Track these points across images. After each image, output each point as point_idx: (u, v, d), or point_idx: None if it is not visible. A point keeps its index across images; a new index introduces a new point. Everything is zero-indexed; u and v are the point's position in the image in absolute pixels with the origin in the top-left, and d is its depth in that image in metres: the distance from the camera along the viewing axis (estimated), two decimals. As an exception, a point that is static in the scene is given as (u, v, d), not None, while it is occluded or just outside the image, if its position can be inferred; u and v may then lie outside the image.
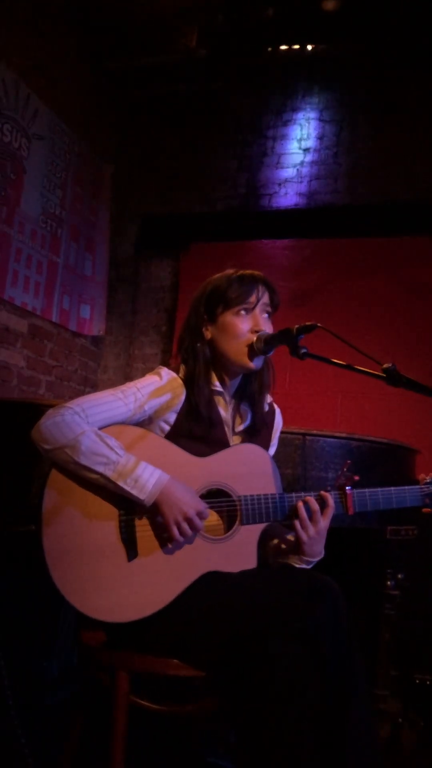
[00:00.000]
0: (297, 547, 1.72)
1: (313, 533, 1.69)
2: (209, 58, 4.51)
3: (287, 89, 4.79)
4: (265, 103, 4.85)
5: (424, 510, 1.76)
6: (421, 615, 2.96)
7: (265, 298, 1.79)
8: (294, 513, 1.69)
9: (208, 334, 1.81)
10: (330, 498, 1.70)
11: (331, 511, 1.69)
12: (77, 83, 4.52)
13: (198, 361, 1.78)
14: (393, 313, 4.22)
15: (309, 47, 4.48)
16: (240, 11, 4.20)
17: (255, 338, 1.73)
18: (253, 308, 1.77)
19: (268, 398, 1.91)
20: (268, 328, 1.77)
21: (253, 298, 1.76)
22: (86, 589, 1.58)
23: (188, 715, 1.69)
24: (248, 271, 1.80)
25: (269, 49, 4.51)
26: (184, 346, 1.83)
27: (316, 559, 1.74)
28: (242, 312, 1.76)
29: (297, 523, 1.68)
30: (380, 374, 1.56)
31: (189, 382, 1.77)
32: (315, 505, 1.68)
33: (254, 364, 1.76)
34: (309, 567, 1.75)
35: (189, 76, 4.77)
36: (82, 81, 4.57)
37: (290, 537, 1.77)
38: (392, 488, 1.74)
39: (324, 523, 1.69)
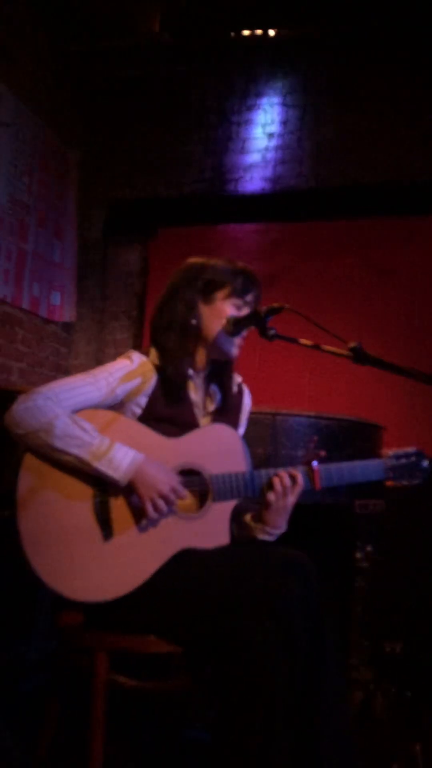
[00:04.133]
0: (263, 519, 1.77)
1: (282, 506, 1.74)
2: (173, 42, 4.48)
3: (251, 74, 4.78)
4: (229, 88, 4.84)
5: (388, 483, 1.83)
6: (390, 586, 3.04)
7: (253, 301, 1.85)
8: (264, 489, 1.74)
9: (199, 312, 1.84)
10: (300, 477, 1.74)
11: (299, 488, 1.74)
12: (41, 68, 4.45)
13: (188, 333, 1.81)
14: (360, 295, 4.27)
15: (271, 32, 4.48)
16: (203, -5, 4.20)
17: (225, 321, 1.78)
18: (245, 305, 1.82)
19: (237, 378, 1.95)
20: None
21: (250, 297, 1.83)
22: (63, 571, 1.61)
23: (166, 691, 1.73)
24: (250, 270, 1.86)
25: (232, 33, 4.50)
26: (172, 312, 1.83)
27: (278, 532, 1.80)
28: (239, 304, 1.82)
29: (271, 495, 1.73)
30: (347, 353, 1.60)
31: (170, 353, 1.80)
32: (287, 481, 1.73)
33: (233, 353, 1.83)
34: (272, 539, 1.80)
35: (153, 60, 4.72)
36: (46, 66, 4.50)
37: (256, 512, 1.82)
38: (357, 462, 1.80)
39: (292, 498, 1.74)
